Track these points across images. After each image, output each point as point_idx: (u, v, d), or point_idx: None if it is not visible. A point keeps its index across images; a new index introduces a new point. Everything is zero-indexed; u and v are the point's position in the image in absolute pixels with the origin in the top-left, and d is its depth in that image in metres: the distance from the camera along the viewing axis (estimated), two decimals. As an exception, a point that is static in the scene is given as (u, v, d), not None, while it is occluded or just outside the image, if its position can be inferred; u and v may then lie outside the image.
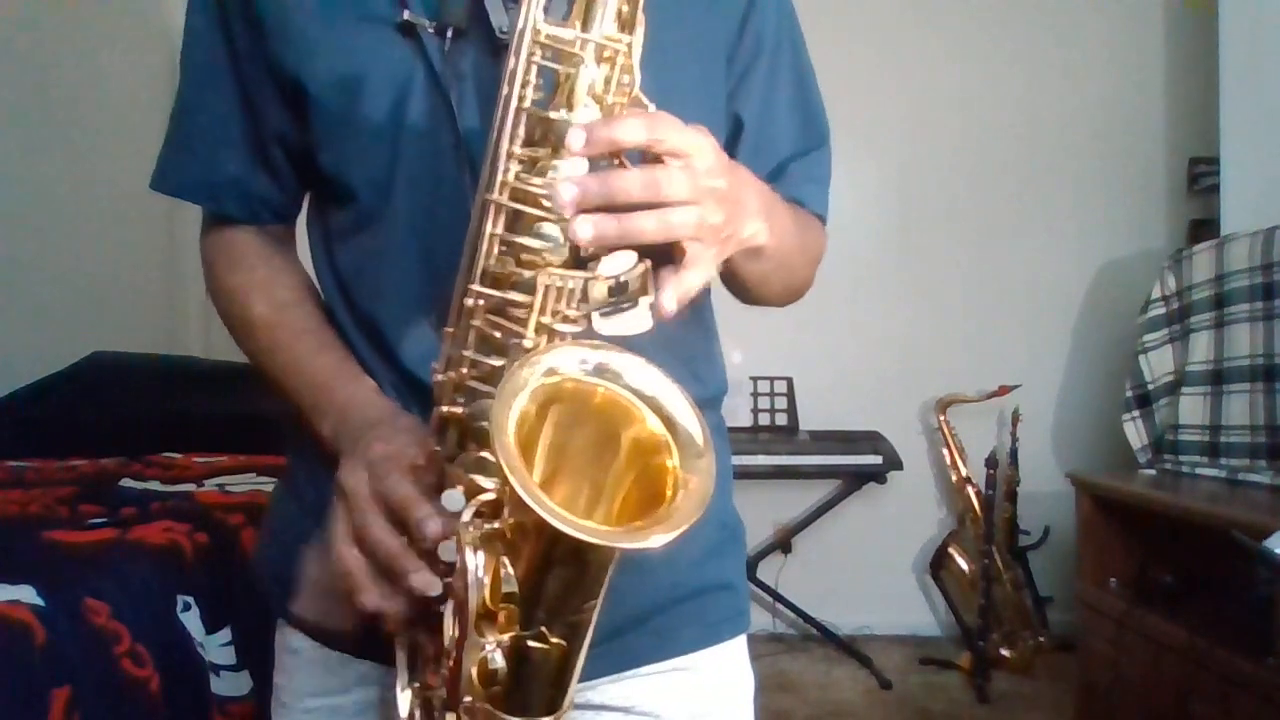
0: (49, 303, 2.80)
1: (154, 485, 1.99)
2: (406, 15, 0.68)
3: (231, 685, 1.45)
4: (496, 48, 0.69)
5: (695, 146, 0.56)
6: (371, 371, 0.74)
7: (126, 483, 2.02)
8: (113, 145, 2.86)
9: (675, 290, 0.56)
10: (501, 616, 0.55)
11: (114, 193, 2.91)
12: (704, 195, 0.56)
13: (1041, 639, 3.21)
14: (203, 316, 3.32)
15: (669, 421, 0.56)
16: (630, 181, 0.54)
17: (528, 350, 0.57)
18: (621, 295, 0.56)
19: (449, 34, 0.68)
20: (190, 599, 1.42)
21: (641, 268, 0.56)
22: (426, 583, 0.58)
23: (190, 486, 1.94)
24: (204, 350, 3.30)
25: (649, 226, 0.54)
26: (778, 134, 0.83)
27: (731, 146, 0.81)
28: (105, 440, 2.39)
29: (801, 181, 0.83)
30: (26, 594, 1.18)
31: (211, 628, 1.44)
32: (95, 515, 1.62)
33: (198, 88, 0.77)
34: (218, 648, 1.45)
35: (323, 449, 0.72)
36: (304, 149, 0.74)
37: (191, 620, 1.41)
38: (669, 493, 0.54)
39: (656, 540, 0.50)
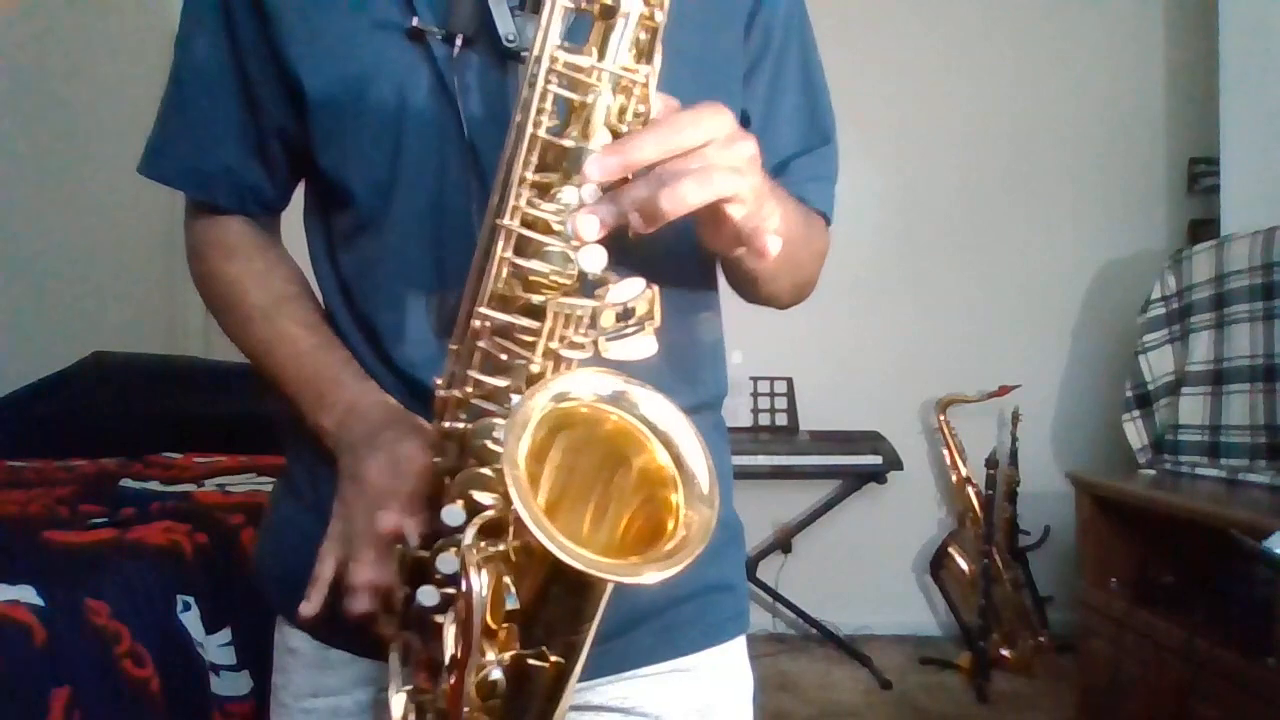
0: (49, 303, 2.80)
1: (154, 485, 1.99)
2: (415, 22, 0.68)
3: (231, 685, 1.45)
4: (503, 56, 0.69)
5: (711, 129, 0.55)
6: (370, 373, 0.74)
7: (126, 483, 2.02)
8: (113, 145, 2.85)
9: (774, 240, 0.58)
10: (502, 634, 0.56)
11: (114, 192, 2.91)
12: (732, 164, 0.55)
13: (1041, 639, 3.21)
14: (202, 316, 3.31)
15: (678, 458, 0.56)
16: (645, 142, 0.54)
17: (535, 374, 0.57)
18: (628, 320, 0.56)
19: (457, 41, 0.68)
20: (190, 599, 1.42)
21: (649, 293, 0.56)
22: (359, 574, 0.61)
23: (190, 486, 1.94)
24: (204, 350, 3.30)
25: (690, 192, 0.53)
26: (783, 131, 0.82)
27: None
28: (105, 440, 2.39)
29: (805, 179, 0.82)
30: (26, 594, 1.18)
31: (211, 628, 1.44)
32: (95, 515, 1.62)
33: (194, 74, 0.76)
34: (218, 648, 1.45)
35: (320, 443, 0.72)
36: (303, 144, 0.74)
37: (191, 620, 1.41)
38: (670, 528, 0.54)
39: (656, 576, 0.51)
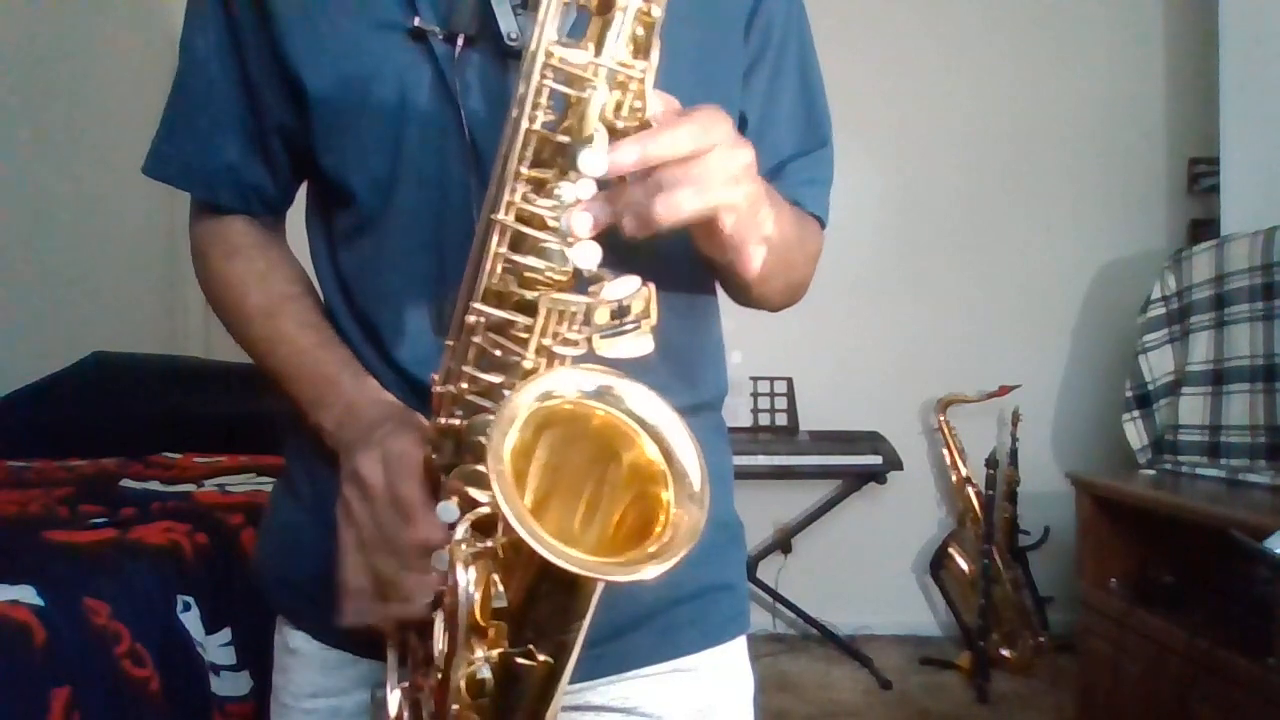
0: (49, 303, 2.80)
1: (154, 485, 1.99)
2: (417, 22, 0.68)
3: (231, 685, 1.45)
4: (505, 54, 0.69)
5: (714, 134, 0.55)
6: (371, 372, 0.74)
7: (126, 483, 2.02)
8: (113, 145, 2.86)
9: (757, 254, 0.58)
10: (491, 632, 0.56)
11: (114, 193, 2.92)
12: (729, 173, 0.56)
13: (1041, 639, 3.21)
14: (203, 316, 3.32)
15: (668, 455, 0.56)
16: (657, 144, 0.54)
17: (527, 370, 0.57)
18: (623, 318, 0.56)
19: (459, 41, 0.68)
20: (190, 599, 1.42)
21: (645, 291, 0.56)
22: (431, 584, 0.59)
23: (190, 486, 1.94)
24: (204, 350, 3.30)
25: (686, 202, 0.54)
26: (779, 133, 0.82)
27: None
28: (105, 440, 2.39)
29: (800, 183, 0.83)
30: (26, 594, 1.18)
31: (211, 628, 1.44)
32: (95, 515, 1.62)
33: (197, 74, 0.76)
34: (218, 648, 1.45)
35: (321, 443, 0.72)
36: (304, 143, 0.74)
37: (191, 620, 1.41)
38: (660, 525, 0.54)
39: (644, 574, 0.50)
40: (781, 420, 3.45)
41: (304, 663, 0.79)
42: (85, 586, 1.26)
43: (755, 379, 3.46)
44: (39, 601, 1.17)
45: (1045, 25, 3.59)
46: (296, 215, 0.83)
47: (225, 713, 1.43)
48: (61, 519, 1.62)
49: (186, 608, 1.41)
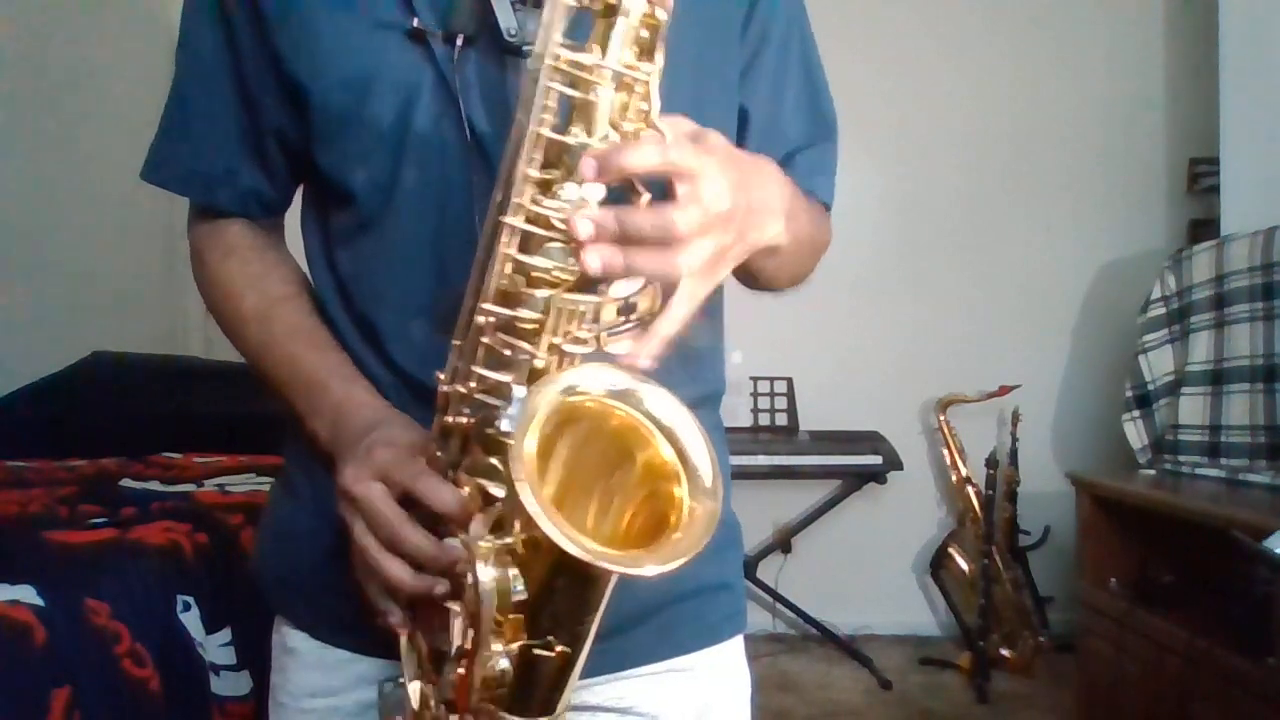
0: (49, 303, 2.80)
1: (154, 485, 1.99)
2: (415, 23, 0.68)
3: (231, 685, 1.45)
4: (504, 50, 0.69)
5: (705, 167, 0.55)
6: (368, 373, 0.74)
7: (126, 483, 2.02)
8: (113, 145, 2.85)
9: (654, 341, 0.57)
10: (509, 624, 0.56)
11: (114, 192, 2.91)
12: (712, 225, 0.56)
13: (1041, 639, 3.21)
14: (202, 316, 3.30)
15: (682, 453, 0.57)
16: (642, 221, 0.54)
17: (538, 369, 0.58)
18: (630, 316, 0.56)
19: (458, 41, 0.68)
20: (190, 599, 1.42)
21: (651, 289, 0.56)
22: (442, 582, 0.60)
23: (190, 486, 1.94)
24: (204, 350, 3.29)
25: (653, 267, 0.55)
26: (786, 126, 0.83)
27: (739, 137, 0.81)
28: (105, 440, 2.39)
29: (811, 173, 0.83)
30: (26, 594, 1.18)
31: (211, 628, 1.44)
32: (95, 515, 1.62)
33: (194, 78, 0.77)
34: (218, 648, 1.45)
35: (316, 448, 0.72)
36: (302, 145, 0.74)
37: (191, 620, 1.41)
38: (674, 521, 0.55)
39: (661, 568, 0.51)
40: (781, 420, 3.45)
41: (302, 662, 0.79)
42: (85, 586, 1.27)
43: (755, 379, 3.46)
44: (39, 601, 1.17)
45: (1045, 25, 3.59)
46: (292, 216, 0.83)
47: (225, 712, 1.43)
48: (61, 519, 1.62)
49: (186, 608, 1.41)
